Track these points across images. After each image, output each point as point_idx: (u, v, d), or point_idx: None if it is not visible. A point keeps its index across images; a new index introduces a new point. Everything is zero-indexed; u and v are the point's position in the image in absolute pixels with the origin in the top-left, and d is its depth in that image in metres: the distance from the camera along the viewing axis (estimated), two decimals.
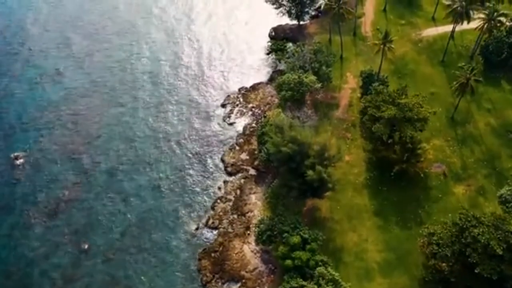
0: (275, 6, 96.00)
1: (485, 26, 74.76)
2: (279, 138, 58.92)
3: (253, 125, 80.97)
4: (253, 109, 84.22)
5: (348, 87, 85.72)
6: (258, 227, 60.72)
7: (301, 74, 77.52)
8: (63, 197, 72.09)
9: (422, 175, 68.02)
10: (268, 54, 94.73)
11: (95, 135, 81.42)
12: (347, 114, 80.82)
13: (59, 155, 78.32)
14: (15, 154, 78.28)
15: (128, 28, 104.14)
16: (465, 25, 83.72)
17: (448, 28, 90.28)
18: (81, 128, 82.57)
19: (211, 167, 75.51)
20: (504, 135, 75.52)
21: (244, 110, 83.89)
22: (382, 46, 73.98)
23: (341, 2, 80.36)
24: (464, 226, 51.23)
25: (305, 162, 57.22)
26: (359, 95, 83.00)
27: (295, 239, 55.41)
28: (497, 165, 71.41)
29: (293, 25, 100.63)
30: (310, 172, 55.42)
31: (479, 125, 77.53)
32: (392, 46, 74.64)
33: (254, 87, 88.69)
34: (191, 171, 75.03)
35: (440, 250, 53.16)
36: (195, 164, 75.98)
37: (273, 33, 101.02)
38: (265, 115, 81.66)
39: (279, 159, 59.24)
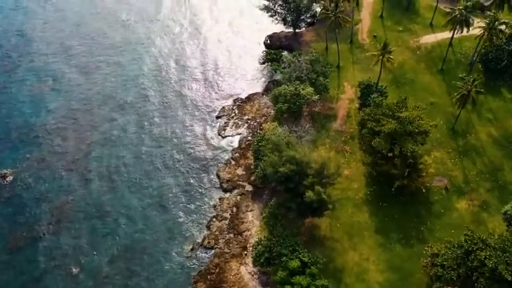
0: (269, 14, 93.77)
1: (486, 34, 72.80)
2: (276, 157, 56.68)
3: (249, 138, 78.59)
4: (249, 121, 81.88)
5: (346, 97, 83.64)
6: (256, 248, 58.41)
7: (297, 86, 75.35)
8: (52, 217, 69.33)
9: (423, 190, 66.01)
10: (263, 63, 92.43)
11: (85, 151, 78.68)
12: (345, 126, 78.70)
13: (48, 172, 75.50)
14: (3, 171, 75.50)
15: (120, 40, 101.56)
16: (463, 32, 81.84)
17: (446, 34, 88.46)
18: (71, 144, 79.79)
19: (206, 183, 72.99)
20: (506, 146, 73.71)
21: (240, 122, 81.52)
22: (381, 57, 71.75)
23: (337, 10, 78.20)
24: (470, 249, 49.22)
25: (303, 182, 54.96)
26: (357, 105, 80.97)
27: (295, 263, 53.16)
28: (500, 178, 69.56)
29: (288, 32, 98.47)
30: (309, 194, 53.21)
31: (481, 136, 75.71)
32: (391, 57, 72.60)
33: (250, 98, 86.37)
34: (185, 188, 72.45)
35: (445, 272, 51.14)
36: (190, 181, 73.44)
37: (268, 41, 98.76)
38: (261, 127, 79.45)
39: (276, 180, 56.97)
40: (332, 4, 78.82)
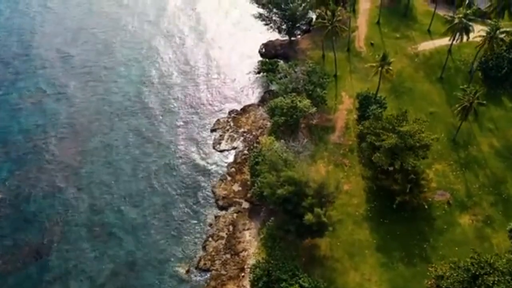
0: (264, 22, 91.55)
1: (486, 44, 70.97)
2: (274, 178, 54.49)
3: (245, 152, 76.34)
4: (245, 134, 79.60)
5: (344, 108, 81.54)
6: (254, 271, 56.15)
7: (294, 98, 73.17)
8: (42, 239, 66.62)
9: (425, 206, 64.04)
10: (258, 72, 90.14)
11: (76, 167, 76.05)
12: (343, 138, 76.61)
13: (38, 191, 72.71)
14: None
15: (112, 50, 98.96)
16: (463, 40, 80.00)
17: (445, 41, 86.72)
18: (61, 160, 77.10)
19: (201, 201, 70.58)
20: (508, 157, 71.92)
21: (235, 136, 79.21)
22: (379, 68, 69.72)
23: (334, 19, 76.04)
24: (477, 273, 47.31)
25: (302, 203, 52.80)
26: (355, 116, 78.91)
27: None
28: (503, 191, 67.76)
29: (284, 40, 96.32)
30: (308, 216, 51.05)
31: (482, 147, 73.91)
32: (390, 68, 70.53)
33: (245, 110, 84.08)
34: (179, 206, 69.97)
35: None
36: (184, 198, 70.96)
37: (263, 50, 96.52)
38: (257, 140, 77.22)
39: (274, 201, 54.80)
40: (329, 13, 76.53)
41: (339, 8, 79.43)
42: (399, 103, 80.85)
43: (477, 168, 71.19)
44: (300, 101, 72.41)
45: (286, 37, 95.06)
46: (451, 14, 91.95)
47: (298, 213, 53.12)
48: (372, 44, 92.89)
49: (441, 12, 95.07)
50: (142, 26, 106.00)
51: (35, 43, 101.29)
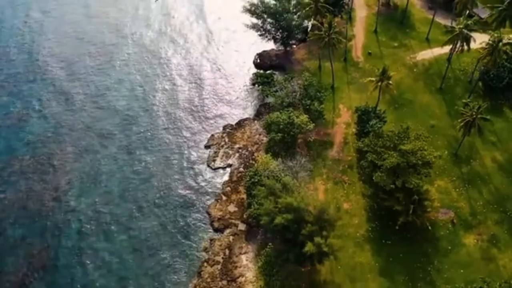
0: (259, 32, 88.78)
1: (488, 56, 68.68)
2: (272, 204, 51.80)
3: (241, 169, 73.52)
4: (240, 150, 76.78)
5: (342, 121, 79.04)
6: None
7: (291, 113, 70.58)
8: (30, 266, 63.44)
9: (429, 227, 61.64)
10: (253, 84, 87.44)
11: (64, 188, 72.83)
12: (342, 154, 74.07)
13: (23, 214, 69.56)
14: None
15: (101, 63, 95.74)
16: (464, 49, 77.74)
17: (444, 49, 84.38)
18: (48, 180, 73.85)
19: (195, 223, 67.64)
20: None
21: (230, 152, 76.36)
22: (379, 83, 67.22)
23: (331, 31, 73.46)
24: None
25: (302, 230, 50.15)
26: (354, 130, 76.40)
27: None
28: (508, 208, 65.50)
29: (279, 50, 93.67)
30: (309, 246, 48.39)
31: (485, 161, 71.64)
32: (390, 82, 68.04)
33: (240, 124, 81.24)
34: (172, 229, 66.93)
35: None
36: (178, 219, 68.01)
37: (258, 60, 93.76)
38: (253, 157, 74.57)
39: (272, 229, 52.14)
40: (325, 24, 73.90)
41: (337, 19, 76.79)
42: (399, 116, 78.57)
43: (480, 184, 68.94)
44: (297, 117, 69.82)
45: (282, 47, 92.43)
46: (450, 22, 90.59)
47: (297, 241, 50.48)
48: (369, 53, 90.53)
49: (439, 19, 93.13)
50: (128, 34, 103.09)
51: (19, 57, 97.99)
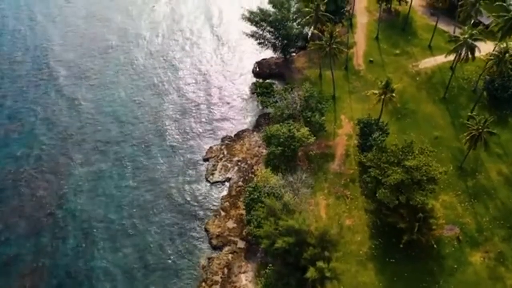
0: (258, 41, 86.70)
1: (494, 67, 66.79)
2: (272, 226, 49.82)
3: (240, 183, 71.48)
4: (239, 163, 74.70)
5: (343, 132, 77.04)
6: None
7: (291, 126, 68.58)
8: (22, 287, 61.40)
9: (434, 245, 59.70)
10: (252, 93, 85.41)
11: (57, 203, 70.59)
12: (344, 167, 72.09)
13: (16, 232, 67.29)
14: None
15: (97, 72, 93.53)
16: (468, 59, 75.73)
17: (446, 57, 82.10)
18: (41, 195, 71.58)
19: (193, 240, 65.51)
20: None
21: (229, 165, 74.27)
22: (382, 96, 65.25)
23: (332, 41, 71.45)
24: None
25: (303, 253, 48.19)
26: (355, 142, 74.42)
27: None
28: None
29: (278, 58, 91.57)
30: (311, 272, 46.48)
31: (491, 174, 69.79)
32: (394, 95, 66.07)
33: (239, 136, 79.15)
34: (169, 247, 64.77)
35: None
36: (174, 237, 65.80)
37: (257, 69, 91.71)
38: (253, 170, 72.58)
39: (273, 253, 50.17)
40: (326, 34, 71.89)
41: (338, 30, 74.78)
42: (402, 127, 76.70)
43: (486, 198, 67.09)
44: (297, 130, 67.83)
45: (281, 55, 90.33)
46: (453, 29, 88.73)
47: (299, 265, 48.54)
48: (371, 61, 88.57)
49: (441, 26, 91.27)
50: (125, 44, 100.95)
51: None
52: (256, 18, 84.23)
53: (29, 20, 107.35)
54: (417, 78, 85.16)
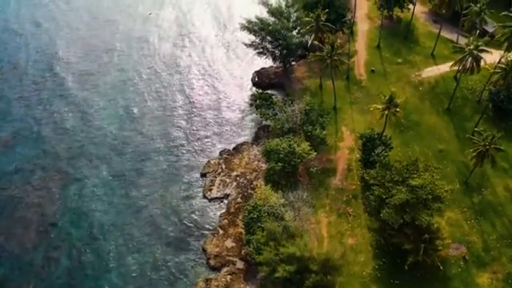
0: (257, 50, 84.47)
1: (501, 80, 64.74)
2: (273, 252, 47.70)
3: (239, 200, 69.26)
4: (238, 178, 72.44)
5: (345, 146, 74.87)
6: None
7: (291, 141, 66.41)
8: None
9: (440, 266, 57.58)
10: (251, 105, 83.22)
11: (51, 221, 68.32)
12: (346, 182, 69.92)
13: (7, 252, 64.92)
14: None
15: (91, 81, 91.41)
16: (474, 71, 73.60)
17: (451, 68, 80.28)
18: (34, 212, 69.18)
19: (190, 260, 63.09)
20: None
21: (228, 180, 72.01)
22: (386, 111, 63.13)
23: (334, 52, 69.27)
24: None
25: (306, 282, 46.08)
26: (357, 156, 72.31)
27: None
28: None
29: (278, 67, 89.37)
30: None
31: (497, 190, 67.68)
32: (398, 110, 63.94)
33: (238, 149, 76.87)
34: (165, 267, 62.25)
35: None
36: (170, 257, 63.35)
37: (256, 78, 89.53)
38: (252, 186, 70.40)
39: (273, 281, 48.07)
40: (327, 46, 69.71)
41: (339, 41, 72.63)
42: (405, 139, 74.58)
43: (493, 215, 64.98)
44: (298, 145, 65.67)
45: (281, 64, 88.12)
46: (456, 37, 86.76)
47: None
48: (373, 71, 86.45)
49: (444, 34, 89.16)
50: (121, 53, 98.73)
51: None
52: (255, 27, 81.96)
53: (33, 25, 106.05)
54: (420, 88, 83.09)
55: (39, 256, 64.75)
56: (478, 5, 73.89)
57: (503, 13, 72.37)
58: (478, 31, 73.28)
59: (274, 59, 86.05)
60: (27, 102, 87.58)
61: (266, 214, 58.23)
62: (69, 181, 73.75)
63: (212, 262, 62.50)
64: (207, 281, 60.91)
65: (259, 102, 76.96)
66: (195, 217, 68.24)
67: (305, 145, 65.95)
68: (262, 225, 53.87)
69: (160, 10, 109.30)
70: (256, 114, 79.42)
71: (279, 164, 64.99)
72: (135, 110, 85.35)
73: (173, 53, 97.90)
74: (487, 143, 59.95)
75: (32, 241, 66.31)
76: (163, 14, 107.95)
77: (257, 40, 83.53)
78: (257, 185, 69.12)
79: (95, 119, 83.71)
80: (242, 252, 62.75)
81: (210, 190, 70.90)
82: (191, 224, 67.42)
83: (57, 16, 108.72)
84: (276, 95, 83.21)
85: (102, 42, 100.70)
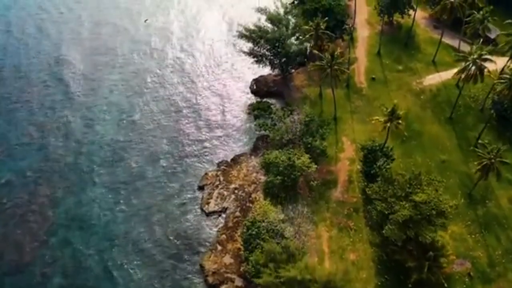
0: (256, 58, 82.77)
1: (505, 91, 63.16)
2: (272, 274, 46.06)
3: (237, 213, 67.51)
4: (236, 190, 70.70)
5: (346, 156, 73.20)
6: None
7: (291, 154, 64.72)
8: None
9: (445, 284, 55.96)
10: (249, 114, 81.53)
11: (45, 236, 66.39)
12: (347, 195, 68.26)
13: (2, 260, 63.35)
14: None
15: (90, 91, 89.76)
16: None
17: (451, 73, 78.54)
18: (28, 225, 67.32)
19: (187, 279, 61.34)
20: None
21: (226, 193, 70.27)
22: (388, 124, 61.48)
23: (334, 62, 67.61)
24: None
25: None
26: (358, 167, 70.67)
27: None
28: None
29: (277, 75, 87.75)
30: None
31: (502, 202, 66.15)
32: (400, 122, 62.31)
33: (236, 161, 75.10)
34: (161, 285, 60.44)
35: None
36: (167, 275, 61.35)
37: (254, 86, 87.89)
38: (251, 199, 68.67)
39: None
40: (327, 55, 68.04)
41: (339, 50, 70.94)
42: (407, 150, 72.94)
43: (498, 228, 63.43)
44: (298, 158, 63.99)
45: (279, 72, 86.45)
46: (457, 43, 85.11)
47: None
48: (373, 78, 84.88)
49: (445, 39, 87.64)
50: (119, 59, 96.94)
51: None
52: (253, 35, 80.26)
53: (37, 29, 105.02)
54: (422, 96, 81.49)
55: (33, 273, 62.48)
56: (481, 12, 72.32)
57: (508, 21, 70.74)
58: (481, 39, 71.52)
59: (273, 67, 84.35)
60: (28, 106, 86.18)
61: (265, 230, 56.64)
62: (64, 193, 71.66)
63: (210, 279, 60.72)
64: None
65: (258, 112, 75.23)
66: (193, 232, 66.42)
67: (305, 158, 64.30)
68: (261, 243, 52.09)
69: (157, 17, 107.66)
70: (255, 124, 77.59)
71: (279, 177, 63.37)
72: (130, 121, 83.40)
73: (171, 59, 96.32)
74: (492, 156, 58.35)
75: (26, 257, 64.23)
76: (158, 23, 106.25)
77: (256, 48, 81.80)
78: (256, 198, 67.48)
79: (90, 129, 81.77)
80: (241, 269, 60.94)
81: (208, 203, 69.15)
82: (188, 240, 65.60)
83: (58, 20, 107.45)
84: (275, 104, 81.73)
85: (103, 46, 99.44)
